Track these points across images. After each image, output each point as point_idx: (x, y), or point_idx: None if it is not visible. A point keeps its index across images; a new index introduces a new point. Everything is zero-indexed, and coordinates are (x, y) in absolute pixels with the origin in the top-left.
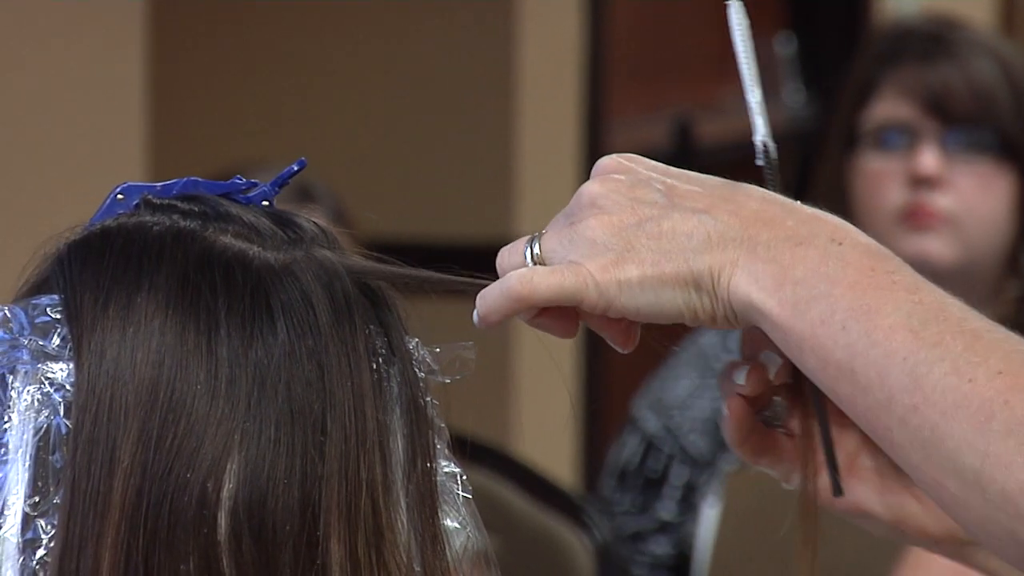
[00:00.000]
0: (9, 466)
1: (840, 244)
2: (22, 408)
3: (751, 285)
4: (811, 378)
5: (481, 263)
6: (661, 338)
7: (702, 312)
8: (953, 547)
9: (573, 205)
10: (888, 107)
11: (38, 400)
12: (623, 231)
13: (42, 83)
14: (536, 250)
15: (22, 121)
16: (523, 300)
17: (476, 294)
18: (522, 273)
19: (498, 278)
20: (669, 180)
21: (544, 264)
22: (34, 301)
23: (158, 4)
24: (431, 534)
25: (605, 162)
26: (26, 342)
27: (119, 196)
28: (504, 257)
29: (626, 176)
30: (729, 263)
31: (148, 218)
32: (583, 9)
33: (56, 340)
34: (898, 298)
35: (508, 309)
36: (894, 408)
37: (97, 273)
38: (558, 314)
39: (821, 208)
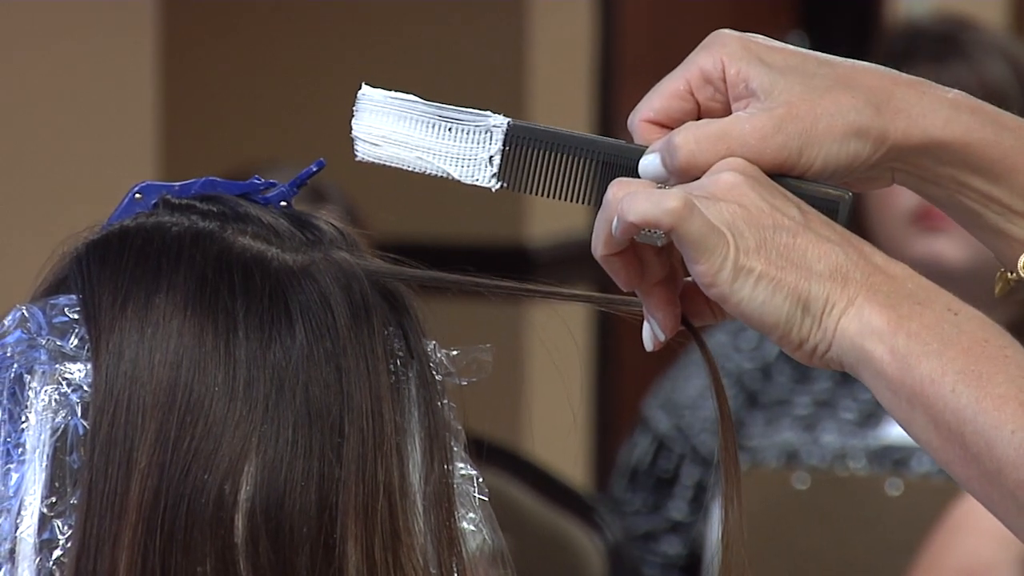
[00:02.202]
0: (26, 466)
1: (956, 314)
2: (39, 408)
3: (864, 327)
4: (918, 435)
5: (493, 263)
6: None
7: (796, 334)
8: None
9: (707, 183)
10: None
11: (55, 400)
12: (759, 228)
13: (54, 82)
14: None
15: (34, 120)
16: (672, 218)
17: (493, 294)
18: (687, 199)
19: (514, 281)
20: (803, 206)
21: None
22: (52, 301)
23: (170, 4)
24: (447, 536)
25: (736, 160)
26: (44, 342)
27: (137, 195)
28: (621, 188)
29: (760, 182)
30: (847, 299)
31: (167, 218)
32: (594, 9)
33: (74, 340)
34: (1011, 371)
35: (650, 218)
36: (1004, 481)
37: (115, 273)
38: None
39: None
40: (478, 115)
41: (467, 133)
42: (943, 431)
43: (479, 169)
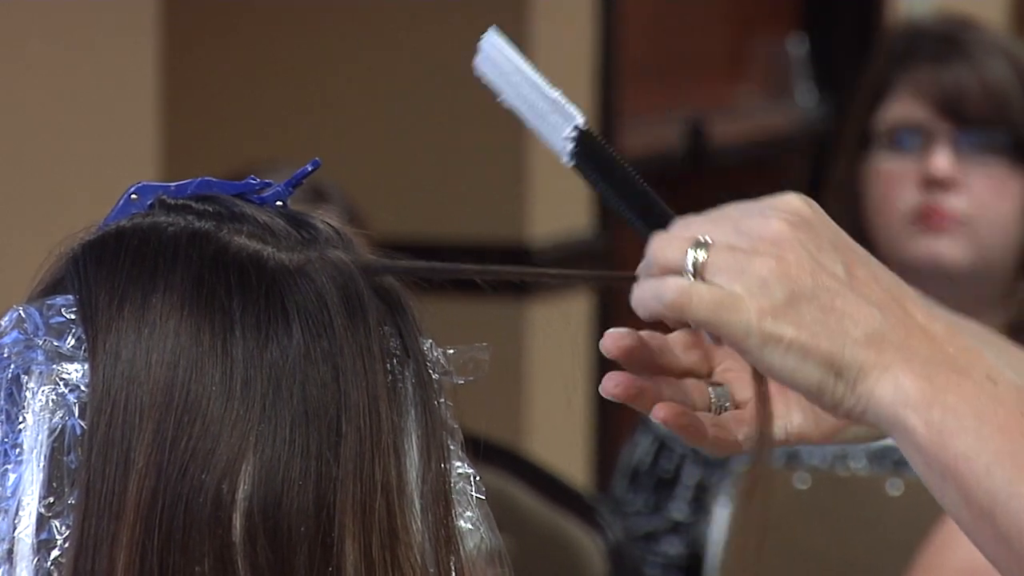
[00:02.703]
0: (24, 467)
1: (995, 383)
2: (37, 409)
3: (898, 395)
4: (949, 508)
5: (493, 263)
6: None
7: (830, 397)
8: (826, 439)
9: (753, 230)
10: (901, 108)
11: (53, 401)
12: (796, 289)
13: (54, 82)
14: (700, 258)
15: (34, 120)
16: (675, 311)
17: (488, 285)
18: (683, 287)
19: (508, 270)
20: (850, 256)
21: (703, 274)
22: (49, 301)
23: (170, 4)
24: (445, 535)
25: (794, 202)
26: (41, 342)
27: (133, 196)
28: (661, 247)
29: (813, 232)
30: (881, 365)
31: (163, 218)
32: (596, 9)
33: (71, 341)
34: None
35: (656, 312)
36: None
37: (112, 273)
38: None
39: (834, 209)
40: (567, 109)
41: (557, 111)
42: (975, 509)
43: (559, 144)
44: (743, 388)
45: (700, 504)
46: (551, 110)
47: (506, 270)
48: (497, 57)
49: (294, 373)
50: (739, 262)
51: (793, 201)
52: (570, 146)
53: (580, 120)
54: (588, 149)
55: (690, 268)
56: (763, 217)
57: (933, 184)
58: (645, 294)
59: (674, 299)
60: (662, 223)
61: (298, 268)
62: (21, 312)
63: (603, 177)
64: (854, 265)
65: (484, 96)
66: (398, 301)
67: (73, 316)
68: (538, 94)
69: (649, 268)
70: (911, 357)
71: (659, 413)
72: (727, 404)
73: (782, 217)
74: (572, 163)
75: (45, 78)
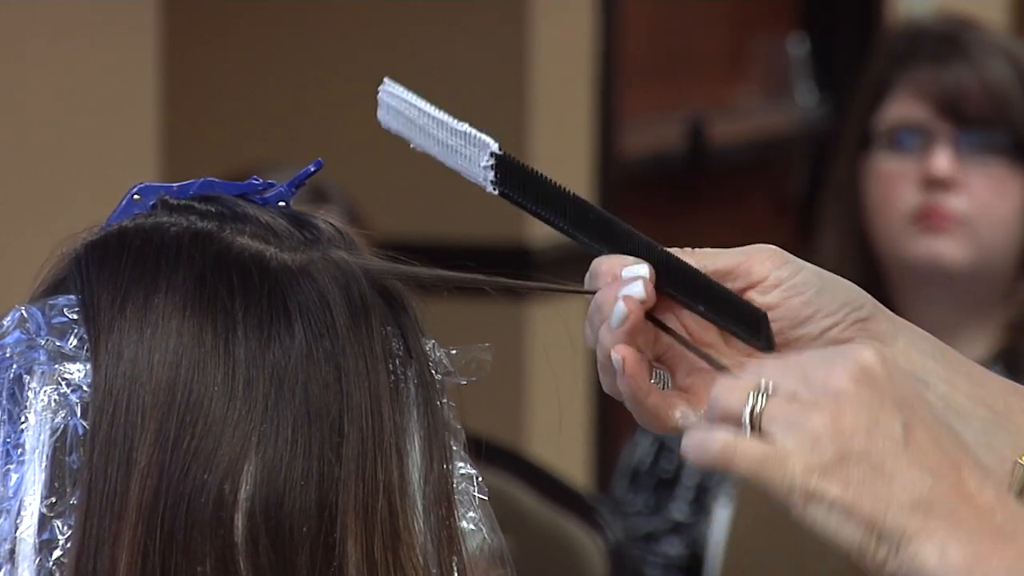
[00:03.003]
0: (26, 467)
1: None
2: (39, 409)
3: (942, 564)
4: None
5: (493, 263)
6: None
7: (871, 557)
8: None
9: (817, 382)
10: (902, 108)
11: (55, 401)
12: (847, 448)
13: (55, 82)
14: (759, 407)
15: (35, 120)
16: (719, 464)
17: (492, 290)
18: (728, 443)
19: (516, 277)
20: (912, 417)
21: (760, 423)
22: (51, 301)
23: (171, 5)
24: (447, 535)
25: (865, 356)
26: (43, 342)
27: (136, 196)
28: (725, 392)
29: (877, 390)
30: (926, 532)
31: (165, 219)
32: (596, 9)
33: (73, 341)
34: None
35: (705, 466)
36: None
37: (114, 274)
38: None
39: (834, 209)
40: (478, 138)
41: (469, 143)
42: None
43: (480, 176)
44: (686, 373)
45: (700, 504)
46: (464, 144)
47: (512, 282)
48: (399, 105)
49: (296, 373)
50: (795, 415)
51: (865, 355)
52: (491, 174)
53: (494, 146)
54: (509, 173)
55: (747, 418)
56: (830, 369)
57: (933, 184)
58: (695, 443)
59: (719, 453)
60: (600, 230)
61: (301, 268)
62: (23, 312)
63: (531, 197)
64: (914, 426)
65: (484, 97)
66: (400, 302)
67: (75, 316)
68: (447, 131)
69: (711, 412)
70: (958, 525)
71: (621, 351)
72: (668, 387)
73: (848, 371)
74: (497, 191)
75: (45, 78)
